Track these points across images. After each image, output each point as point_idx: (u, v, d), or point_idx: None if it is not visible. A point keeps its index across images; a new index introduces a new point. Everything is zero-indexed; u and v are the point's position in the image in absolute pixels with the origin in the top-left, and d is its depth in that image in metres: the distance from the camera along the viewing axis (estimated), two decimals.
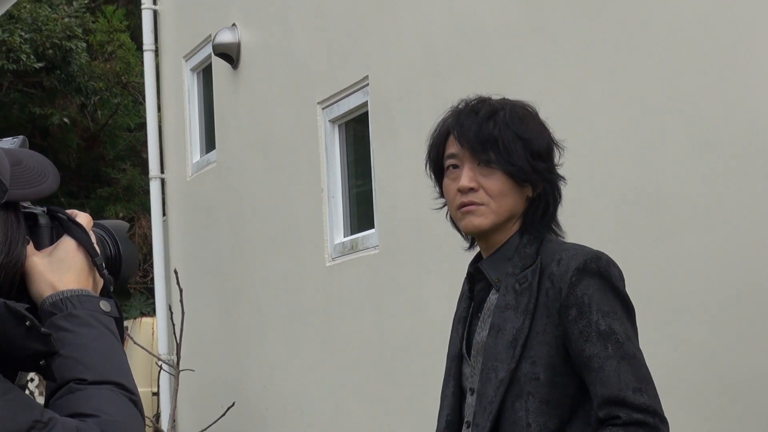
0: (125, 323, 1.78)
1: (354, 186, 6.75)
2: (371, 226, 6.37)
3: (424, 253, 5.74)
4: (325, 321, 6.77)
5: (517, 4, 5.11)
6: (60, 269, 1.67)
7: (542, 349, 2.50)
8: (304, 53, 7.00)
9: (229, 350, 8.09)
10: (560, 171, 2.68)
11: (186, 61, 8.83)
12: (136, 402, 1.61)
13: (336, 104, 6.67)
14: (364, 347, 6.37)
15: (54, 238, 1.70)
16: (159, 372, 8.47)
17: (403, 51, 5.96)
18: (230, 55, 7.77)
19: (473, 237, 2.73)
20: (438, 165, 2.70)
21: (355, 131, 6.72)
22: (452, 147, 2.65)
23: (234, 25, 7.82)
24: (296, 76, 7.09)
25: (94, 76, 16.08)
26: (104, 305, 1.67)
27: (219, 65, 8.02)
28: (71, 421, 1.52)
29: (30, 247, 1.67)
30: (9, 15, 13.99)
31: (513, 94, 2.81)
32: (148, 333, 11.90)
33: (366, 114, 6.38)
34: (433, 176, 2.74)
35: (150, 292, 11.97)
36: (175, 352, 7.08)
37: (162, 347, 8.81)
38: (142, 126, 14.26)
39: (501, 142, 2.58)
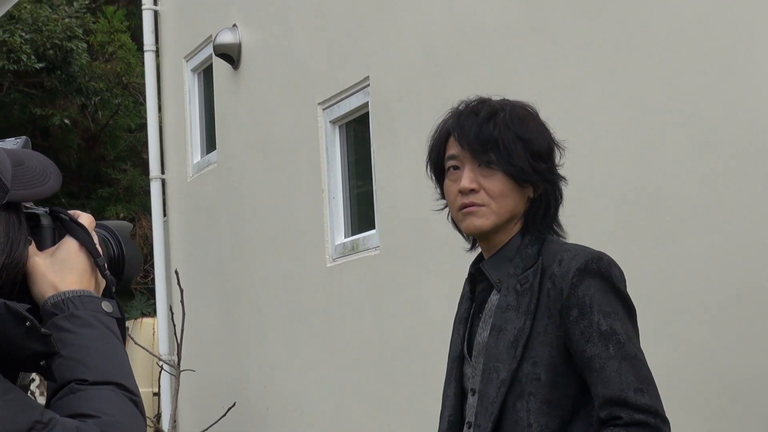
0: (126, 323, 1.76)
1: (354, 187, 6.75)
2: (372, 226, 6.37)
3: (425, 254, 5.75)
4: (325, 321, 6.77)
5: (518, 4, 5.11)
6: (62, 270, 1.67)
7: (543, 349, 2.51)
8: (304, 54, 7.00)
9: (229, 351, 8.09)
10: (561, 171, 2.69)
11: (187, 61, 8.83)
12: (137, 403, 1.61)
13: (336, 105, 6.67)
14: (365, 348, 6.37)
15: (56, 239, 1.70)
16: (160, 372, 8.47)
17: (404, 51, 5.96)
18: (231, 55, 7.77)
19: (474, 238, 2.73)
20: (439, 166, 2.70)
21: (356, 132, 6.72)
22: (453, 148, 2.65)
23: (235, 25, 7.82)
24: (297, 76, 7.09)
25: (94, 77, 16.08)
26: (106, 306, 1.67)
27: (220, 66, 8.02)
28: (71, 422, 1.52)
29: (32, 248, 1.67)
30: (9, 15, 13.99)
31: (513, 95, 2.82)
32: (149, 333, 11.90)
33: (366, 115, 6.38)
34: (433, 178, 2.74)
35: (151, 292, 11.98)
36: (175, 352, 7.08)
37: (163, 347, 8.81)
38: (143, 126, 14.27)
39: (501, 143, 2.58)
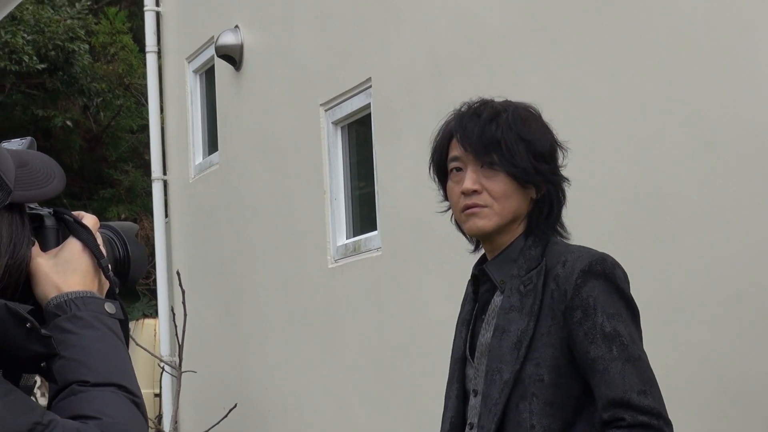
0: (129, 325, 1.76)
1: (356, 188, 6.75)
2: (374, 228, 6.37)
3: (427, 255, 5.75)
4: (327, 323, 6.77)
5: (519, 5, 5.11)
6: (65, 271, 1.67)
7: (547, 350, 2.51)
8: (306, 55, 7.00)
9: (231, 352, 8.09)
10: (562, 172, 2.69)
11: (189, 62, 8.83)
12: (138, 404, 1.61)
13: (338, 106, 6.67)
14: (366, 349, 6.37)
15: (60, 240, 1.70)
16: (161, 373, 8.47)
17: (406, 53, 5.96)
18: (233, 56, 7.78)
19: (478, 239, 2.73)
20: (441, 168, 2.70)
21: (358, 133, 6.72)
22: (455, 150, 2.65)
23: (237, 26, 7.82)
24: (299, 78, 7.09)
25: (96, 78, 16.09)
26: (109, 307, 1.67)
27: (222, 67, 8.02)
28: (72, 423, 1.52)
29: (35, 249, 1.67)
30: (12, 16, 14.00)
31: (514, 95, 2.82)
32: (151, 334, 11.89)
33: (368, 116, 6.38)
34: (436, 179, 2.74)
35: (152, 293, 11.97)
36: (177, 353, 7.08)
37: (164, 349, 8.81)
38: (145, 128, 14.28)
39: (504, 144, 2.58)
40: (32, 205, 1.69)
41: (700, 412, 4.00)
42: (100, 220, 1.76)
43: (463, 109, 2.67)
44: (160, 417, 9.74)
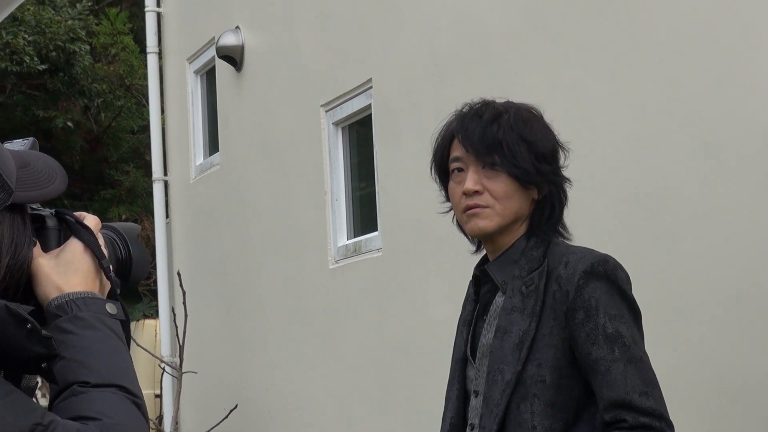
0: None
1: (357, 188, 6.75)
2: (374, 228, 6.37)
3: (428, 256, 5.75)
4: (327, 323, 6.77)
5: (519, 6, 5.11)
6: (66, 271, 1.67)
7: (548, 351, 2.51)
8: (307, 56, 7.00)
9: (231, 352, 8.09)
10: (563, 172, 2.69)
11: (189, 63, 8.83)
12: (139, 405, 1.60)
13: (339, 107, 6.67)
14: (367, 349, 6.37)
15: (61, 241, 1.70)
16: (162, 374, 8.47)
17: (407, 54, 5.96)
18: (234, 57, 7.78)
19: (479, 240, 2.73)
20: (443, 169, 2.71)
21: (359, 134, 6.72)
22: (457, 150, 2.65)
23: (237, 27, 7.82)
24: (300, 78, 7.09)
25: (97, 79, 16.09)
26: (110, 308, 1.67)
27: (222, 68, 8.02)
28: (73, 424, 1.52)
29: (37, 249, 1.67)
30: (13, 17, 14.00)
31: (515, 96, 2.82)
32: (151, 335, 11.89)
33: (369, 117, 6.38)
34: (438, 180, 2.74)
35: (153, 294, 11.97)
36: (177, 354, 7.09)
37: (165, 349, 8.81)
38: (146, 128, 14.28)
39: (505, 145, 2.58)
40: (34, 206, 1.69)
41: (700, 412, 4.00)
42: (101, 221, 1.76)
43: (464, 110, 2.67)
44: (160, 418, 9.73)
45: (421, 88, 5.83)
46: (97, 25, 16.85)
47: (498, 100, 2.70)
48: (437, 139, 2.72)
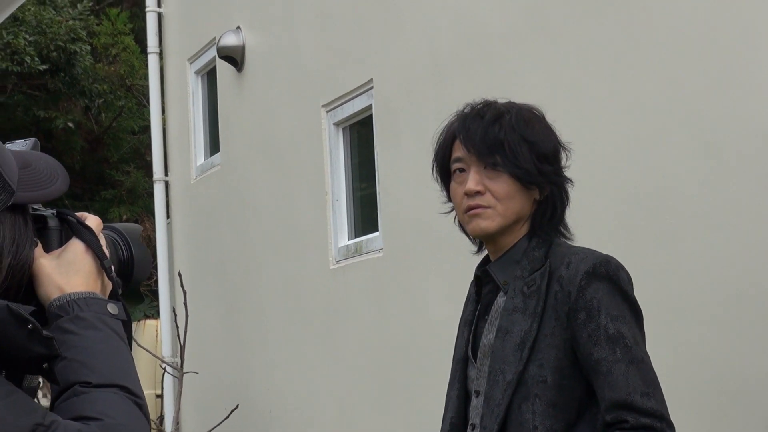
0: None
1: (358, 189, 6.75)
2: (375, 229, 6.37)
3: (429, 256, 5.75)
4: (328, 324, 6.77)
5: (519, 6, 5.12)
6: (68, 272, 1.67)
7: (550, 352, 2.51)
8: (308, 56, 7.00)
9: (232, 353, 8.09)
10: (565, 173, 2.69)
11: (190, 63, 8.84)
12: (141, 405, 1.60)
13: (340, 107, 6.67)
14: (368, 350, 6.37)
15: (63, 241, 1.70)
16: (163, 374, 8.48)
17: (407, 54, 5.97)
18: (234, 57, 7.78)
19: (481, 240, 2.73)
20: (445, 169, 2.71)
21: (360, 134, 6.72)
22: (458, 151, 2.65)
23: (238, 28, 7.82)
24: (300, 79, 7.10)
25: (98, 79, 16.10)
26: (111, 308, 1.67)
27: (223, 68, 8.02)
28: (74, 425, 1.52)
29: (38, 250, 1.67)
30: (14, 17, 14.00)
31: (516, 97, 2.82)
32: (152, 335, 11.90)
33: (370, 117, 6.38)
34: (439, 180, 2.74)
35: (154, 294, 11.98)
36: (179, 354, 7.09)
37: (166, 350, 8.81)
38: (146, 129, 14.27)
39: (507, 145, 2.58)
40: (36, 206, 1.69)
41: (700, 412, 4.00)
42: (102, 222, 1.76)
43: (466, 110, 2.68)
44: (161, 418, 9.74)
45: (422, 88, 5.83)
46: (97, 25, 16.86)
47: (499, 101, 2.70)
48: (439, 139, 2.72)
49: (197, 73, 8.80)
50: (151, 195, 10.23)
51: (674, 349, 4.08)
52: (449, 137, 2.68)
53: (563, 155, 2.68)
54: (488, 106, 2.66)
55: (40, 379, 1.60)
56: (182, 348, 6.86)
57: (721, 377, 3.96)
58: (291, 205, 7.20)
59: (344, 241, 6.69)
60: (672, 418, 2.50)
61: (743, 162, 3.91)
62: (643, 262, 4.19)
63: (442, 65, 5.67)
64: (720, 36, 4.03)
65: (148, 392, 11.15)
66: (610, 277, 2.52)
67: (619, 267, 2.55)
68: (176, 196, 9.11)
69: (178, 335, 6.92)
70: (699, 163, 4.08)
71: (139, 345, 6.89)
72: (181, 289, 6.84)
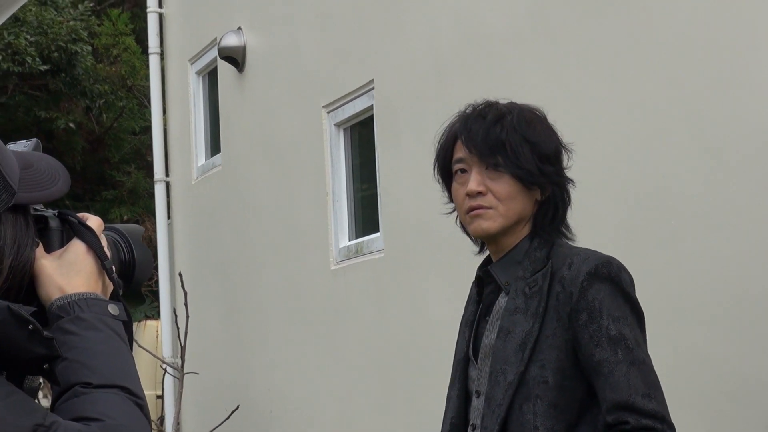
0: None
1: (359, 190, 6.75)
2: (376, 229, 6.37)
3: (429, 257, 5.75)
4: (329, 324, 6.77)
5: (521, 7, 5.12)
6: (69, 272, 1.67)
7: (551, 352, 2.51)
8: (309, 57, 7.00)
9: (233, 353, 8.09)
10: (566, 173, 2.69)
11: (191, 64, 8.84)
12: (142, 406, 1.60)
13: (341, 108, 6.67)
14: (369, 350, 6.37)
15: (64, 242, 1.70)
16: (163, 375, 8.48)
17: (409, 55, 5.97)
18: (236, 58, 7.78)
19: (483, 241, 2.73)
20: (446, 170, 2.71)
21: (361, 135, 6.72)
22: (460, 151, 2.65)
23: (239, 28, 7.82)
24: (301, 79, 7.10)
25: (99, 79, 16.10)
26: (112, 309, 1.67)
27: (224, 68, 8.03)
28: (74, 425, 1.52)
29: (39, 250, 1.67)
30: (15, 18, 14.00)
31: (517, 98, 2.82)
32: (153, 336, 11.91)
33: (371, 118, 6.38)
34: (441, 181, 2.74)
35: (155, 295, 11.98)
36: (179, 355, 7.09)
37: (166, 350, 8.81)
38: (147, 129, 14.27)
39: (509, 146, 2.58)
40: (37, 207, 1.69)
41: (700, 412, 4.00)
42: (103, 222, 1.76)
43: (467, 111, 2.68)
44: (162, 418, 9.74)
45: (423, 89, 5.83)
46: (98, 25, 16.86)
47: (501, 101, 2.71)
48: (440, 140, 2.72)
49: (198, 73, 8.80)
50: (151, 195, 10.23)
51: (674, 349, 4.08)
52: (451, 138, 2.69)
53: (565, 156, 2.69)
54: (490, 106, 2.66)
55: (41, 380, 1.60)
56: (183, 348, 6.86)
57: (721, 377, 3.96)
58: (292, 205, 7.20)
59: (345, 241, 6.69)
60: (672, 419, 2.50)
61: (743, 162, 3.91)
62: (644, 262, 4.19)
63: (443, 66, 5.67)
64: (720, 36, 4.03)
65: (149, 393, 11.15)
66: (612, 278, 2.52)
67: (621, 268, 2.55)
68: (177, 196, 9.11)
69: (179, 336, 6.92)
70: (699, 163, 4.08)
71: (139, 346, 6.89)
72: (181, 289, 6.84)
